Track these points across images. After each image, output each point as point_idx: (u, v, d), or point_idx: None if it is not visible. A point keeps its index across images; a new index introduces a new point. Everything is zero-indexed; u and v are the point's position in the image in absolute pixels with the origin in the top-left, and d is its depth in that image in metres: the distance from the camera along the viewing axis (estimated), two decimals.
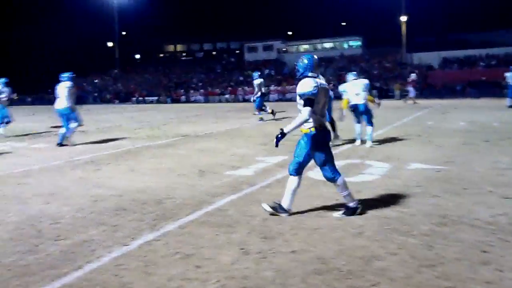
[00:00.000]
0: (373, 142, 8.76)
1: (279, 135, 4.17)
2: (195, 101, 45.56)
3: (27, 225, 4.29)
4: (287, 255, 3.41)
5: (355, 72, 9.22)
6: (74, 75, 10.23)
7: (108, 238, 3.85)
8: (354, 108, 8.69)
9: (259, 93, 15.99)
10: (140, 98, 45.35)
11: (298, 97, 4.21)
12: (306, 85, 4.16)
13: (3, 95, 12.72)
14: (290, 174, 4.32)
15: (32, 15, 63.30)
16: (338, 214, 4.34)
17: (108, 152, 8.96)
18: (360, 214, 4.31)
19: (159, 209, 4.71)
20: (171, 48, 75.90)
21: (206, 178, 6.18)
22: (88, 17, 61.22)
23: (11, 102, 13.11)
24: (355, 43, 51.47)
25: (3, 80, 12.95)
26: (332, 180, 4.28)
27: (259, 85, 15.93)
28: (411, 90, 26.57)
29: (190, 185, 5.79)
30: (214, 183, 5.83)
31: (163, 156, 8.31)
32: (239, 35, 64.99)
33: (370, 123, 8.68)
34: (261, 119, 15.94)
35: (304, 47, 52.72)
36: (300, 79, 4.31)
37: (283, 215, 4.32)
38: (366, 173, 6.30)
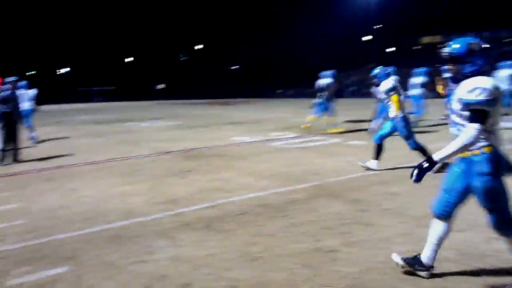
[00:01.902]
0: None
1: (425, 165, 2.77)
2: None
3: None
4: None
5: None
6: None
7: None
8: None
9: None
10: None
11: (458, 105, 2.80)
12: (479, 88, 2.70)
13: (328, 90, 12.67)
14: (437, 216, 3.02)
15: (296, 12, 68.79)
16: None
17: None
18: None
19: None
20: (426, 40, 71.63)
21: None
22: (345, 13, 62.84)
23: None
24: None
25: (331, 72, 12.99)
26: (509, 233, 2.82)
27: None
28: None
29: None
30: None
31: None
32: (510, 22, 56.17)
33: None
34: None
35: None
36: (464, 77, 2.82)
37: (422, 274, 3.08)
38: None
